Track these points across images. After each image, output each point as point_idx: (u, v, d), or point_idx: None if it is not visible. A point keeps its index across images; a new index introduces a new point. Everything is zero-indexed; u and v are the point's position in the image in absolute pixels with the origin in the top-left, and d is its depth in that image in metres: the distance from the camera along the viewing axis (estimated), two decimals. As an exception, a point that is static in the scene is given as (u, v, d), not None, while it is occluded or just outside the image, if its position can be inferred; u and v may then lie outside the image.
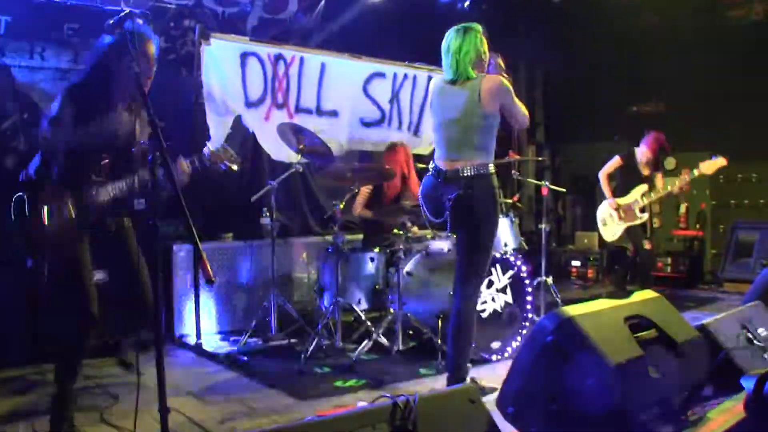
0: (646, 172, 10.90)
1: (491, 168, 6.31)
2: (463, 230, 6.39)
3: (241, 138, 9.93)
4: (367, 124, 11.07)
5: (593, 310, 4.59)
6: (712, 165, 10.27)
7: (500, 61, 6.70)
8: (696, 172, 10.38)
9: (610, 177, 11.10)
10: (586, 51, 14.60)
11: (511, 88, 6.39)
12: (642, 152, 10.90)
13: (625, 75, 14.44)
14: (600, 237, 11.75)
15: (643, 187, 10.77)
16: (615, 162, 11.00)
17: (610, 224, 11.06)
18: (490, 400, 4.66)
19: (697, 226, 14.06)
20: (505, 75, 6.53)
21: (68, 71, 8.47)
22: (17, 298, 7.51)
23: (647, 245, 10.88)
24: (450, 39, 6.59)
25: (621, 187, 11.01)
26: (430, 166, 6.61)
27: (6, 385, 7.03)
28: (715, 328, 5.55)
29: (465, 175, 6.23)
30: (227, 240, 9.64)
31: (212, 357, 8.11)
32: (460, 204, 6.21)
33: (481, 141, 6.32)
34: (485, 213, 6.27)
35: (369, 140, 11.00)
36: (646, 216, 10.84)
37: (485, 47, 6.60)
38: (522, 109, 6.51)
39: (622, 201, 10.84)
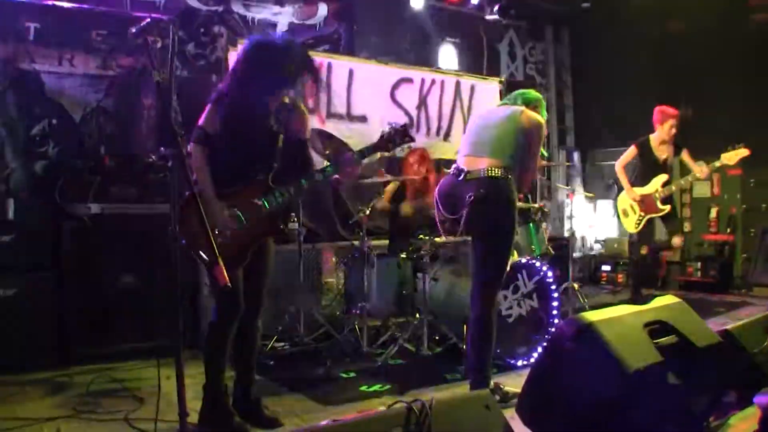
0: (663, 155, 10.65)
1: (511, 176, 6.35)
2: (479, 234, 6.41)
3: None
4: (396, 130, 11.10)
5: (613, 316, 4.58)
6: (733, 155, 10.20)
7: None
8: (718, 164, 10.30)
9: (627, 168, 10.89)
10: (614, 54, 14.57)
11: (542, 140, 6.72)
12: (654, 135, 10.76)
13: (653, 78, 14.39)
14: (632, 244, 11.47)
15: (663, 177, 10.53)
16: (630, 151, 10.85)
17: (631, 215, 10.79)
18: (513, 406, 4.67)
19: (728, 230, 13.97)
20: None
21: (97, 77, 8.52)
22: (46, 303, 7.58)
23: (643, 250, 10.82)
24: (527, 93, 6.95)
25: (640, 177, 10.81)
26: (452, 166, 6.66)
27: (35, 387, 7.08)
28: (739, 333, 5.53)
29: (486, 176, 6.27)
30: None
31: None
32: (478, 204, 6.23)
33: (510, 150, 6.40)
34: (502, 217, 6.30)
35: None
36: (668, 207, 10.56)
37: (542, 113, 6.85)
38: (535, 170, 6.76)
39: (642, 191, 10.62)
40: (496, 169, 6.26)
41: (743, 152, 10.18)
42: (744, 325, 5.72)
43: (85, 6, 8.51)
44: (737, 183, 13.76)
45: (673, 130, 10.54)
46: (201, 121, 5.50)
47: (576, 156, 16.08)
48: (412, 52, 11.80)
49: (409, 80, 11.22)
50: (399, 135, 6.12)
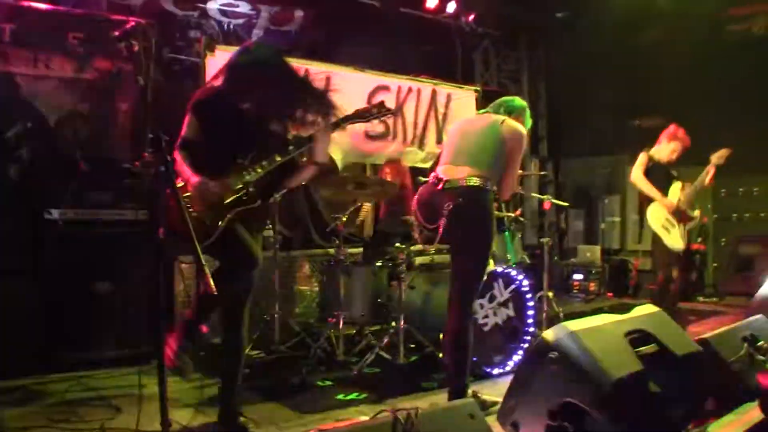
0: (674, 171, 9.79)
1: (490, 186, 6.34)
2: (458, 243, 6.41)
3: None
4: (371, 137, 11.10)
5: (594, 325, 4.60)
6: (721, 155, 9.58)
7: None
8: (712, 165, 9.55)
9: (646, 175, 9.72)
10: (589, 65, 14.63)
11: (524, 149, 6.70)
12: (654, 150, 9.78)
13: (628, 89, 14.47)
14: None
15: (679, 183, 9.67)
16: (643, 158, 9.70)
17: (673, 230, 9.52)
18: (491, 414, 4.67)
19: (699, 239, 14.06)
20: None
21: (73, 80, 8.48)
22: (21, 309, 7.53)
23: (674, 272, 9.59)
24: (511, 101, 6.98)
25: (658, 189, 9.66)
26: (431, 175, 6.64)
27: (9, 395, 7.01)
28: (716, 342, 5.55)
29: (465, 185, 6.27)
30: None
31: (213, 368, 8.10)
32: (456, 213, 6.22)
33: (490, 160, 6.39)
34: (481, 226, 6.30)
35: (373, 153, 11.01)
36: (698, 213, 9.77)
37: (525, 123, 6.91)
38: (515, 180, 6.76)
39: (671, 202, 9.58)
40: (475, 179, 6.25)
41: (726, 151, 9.61)
42: (721, 333, 5.75)
43: (62, 8, 8.47)
44: (708, 193, 13.85)
45: (674, 156, 9.71)
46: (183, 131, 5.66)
47: (549, 165, 16.14)
48: (388, 59, 11.79)
49: (386, 88, 11.22)
50: (377, 107, 6.12)
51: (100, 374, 7.67)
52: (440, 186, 6.39)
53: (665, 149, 9.69)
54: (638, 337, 4.75)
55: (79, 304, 7.80)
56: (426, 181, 6.73)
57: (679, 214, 9.49)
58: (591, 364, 4.18)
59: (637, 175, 9.62)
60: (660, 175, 9.64)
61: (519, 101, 6.96)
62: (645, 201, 9.67)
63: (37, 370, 7.53)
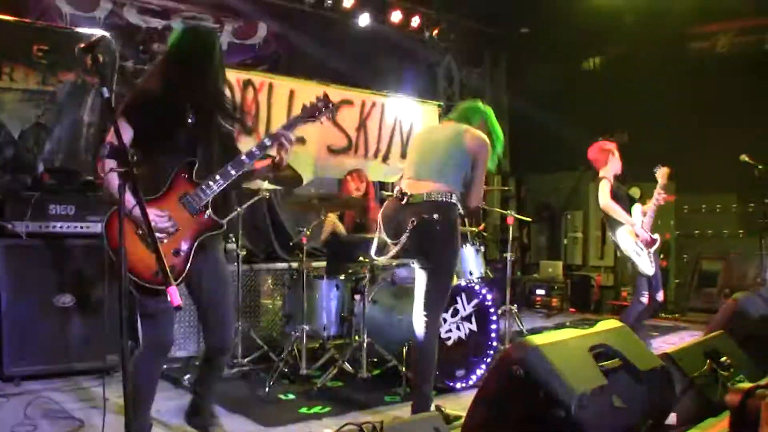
0: (623, 190, 9.79)
1: (455, 199, 6.34)
2: (423, 258, 6.41)
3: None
4: (334, 152, 11.11)
5: (558, 340, 4.60)
6: (662, 174, 9.42)
7: None
8: (662, 184, 9.38)
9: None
10: (552, 80, 14.70)
11: (488, 157, 6.59)
12: (606, 171, 9.62)
13: (591, 105, 14.53)
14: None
15: (639, 206, 9.67)
16: (606, 184, 9.51)
17: (642, 255, 9.39)
18: (455, 428, 4.67)
19: (661, 256, 14.09)
20: None
21: (37, 92, 8.43)
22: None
23: (660, 296, 9.55)
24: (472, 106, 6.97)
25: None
26: (395, 189, 6.63)
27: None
28: (679, 357, 5.58)
29: (429, 200, 6.28)
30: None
31: (176, 382, 8.06)
32: (421, 228, 6.23)
33: (452, 172, 6.39)
34: (446, 241, 6.31)
35: (336, 167, 11.01)
36: (657, 236, 9.54)
37: (492, 126, 6.92)
38: (482, 188, 6.65)
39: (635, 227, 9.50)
40: (438, 194, 6.27)
41: (665, 170, 9.46)
42: (684, 348, 5.77)
43: (26, 20, 8.42)
44: (671, 209, 13.92)
45: (620, 163, 9.63)
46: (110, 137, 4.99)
47: (512, 180, 16.20)
48: (351, 73, 11.81)
49: (350, 102, 11.24)
50: (322, 102, 5.94)
51: (63, 387, 7.63)
52: (404, 201, 6.39)
53: (615, 164, 9.63)
54: (602, 352, 4.76)
55: (41, 317, 7.75)
56: (390, 196, 6.72)
57: (643, 238, 9.42)
58: (555, 378, 4.18)
59: (606, 201, 9.47)
60: (622, 197, 9.63)
61: (481, 105, 6.98)
62: (607, 220, 9.63)
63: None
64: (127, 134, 5.01)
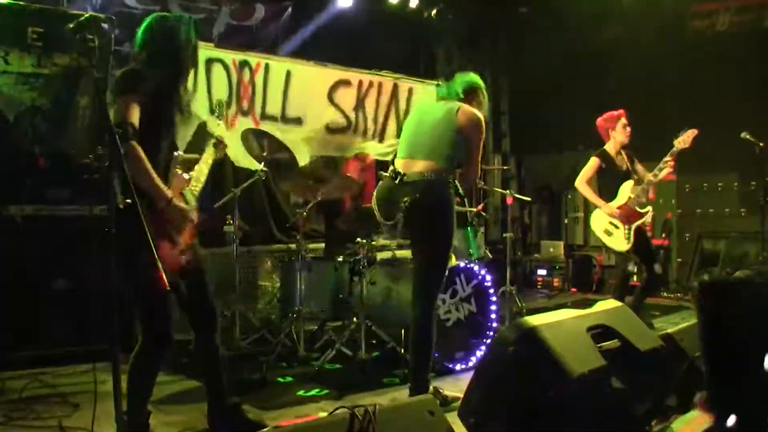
0: (624, 165, 9.89)
1: (449, 178, 6.30)
2: (418, 238, 6.41)
3: (203, 145, 9.90)
4: (332, 131, 11.06)
5: (555, 320, 4.56)
6: (686, 138, 9.47)
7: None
8: (675, 150, 9.47)
9: (590, 182, 9.97)
10: (552, 61, 14.62)
11: (483, 134, 6.49)
12: (609, 145, 9.96)
13: (591, 85, 14.48)
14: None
15: (630, 182, 9.76)
16: (592, 163, 9.89)
17: (616, 232, 9.67)
18: (453, 410, 4.63)
19: (663, 235, 14.09)
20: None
21: (32, 76, 8.36)
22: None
23: (657, 269, 9.98)
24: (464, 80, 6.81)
25: (608, 191, 9.90)
26: (389, 168, 6.60)
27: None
28: (680, 337, 5.54)
29: (423, 179, 6.26)
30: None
31: (174, 366, 8.03)
32: (414, 208, 6.21)
33: (447, 151, 6.33)
34: (440, 220, 6.29)
35: (335, 147, 10.95)
36: (649, 209, 9.75)
37: (483, 96, 6.82)
38: (478, 165, 6.57)
39: (617, 204, 9.68)
40: (432, 174, 6.23)
41: (693, 131, 9.49)
42: (685, 329, 5.73)
43: (21, 2, 8.36)
44: (672, 188, 13.91)
45: (628, 128, 9.90)
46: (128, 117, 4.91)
47: (512, 161, 16.16)
48: (349, 53, 11.75)
49: (347, 82, 11.17)
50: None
51: (58, 371, 7.61)
52: (398, 180, 6.34)
53: (620, 133, 9.84)
54: (601, 333, 4.72)
55: (36, 301, 7.72)
56: (386, 176, 6.67)
57: (625, 215, 9.55)
58: (553, 359, 4.14)
59: (579, 182, 9.84)
60: (613, 175, 9.78)
61: (472, 78, 6.89)
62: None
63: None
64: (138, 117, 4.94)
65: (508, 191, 10.28)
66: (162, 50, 5.30)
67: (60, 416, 6.16)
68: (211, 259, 9.37)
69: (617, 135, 9.82)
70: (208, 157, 5.68)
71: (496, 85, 15.99)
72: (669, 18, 13.63)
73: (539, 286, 14.36)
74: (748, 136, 9.56)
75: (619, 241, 9.61)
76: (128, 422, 4.84)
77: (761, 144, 9.56)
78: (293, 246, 8.87)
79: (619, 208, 9.59)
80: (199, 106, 9.41)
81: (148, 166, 4.85)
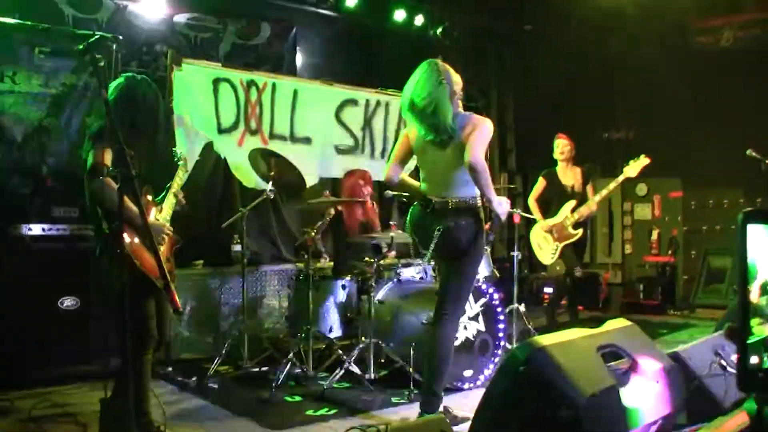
0: (570, 182, 10.53)
1: (478, 201, 6.31)
2: (448, 261, 6.36)
3: (212, 165, 9.93)
4: (340, 151, 11.09)
5: (565, 340, 4.56)
6: (636, 166, 10.09)
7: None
8: (621, 178, 10.16)
9: (539, 201, 10.72)
10: (557, 77, 14.63)
11: (490, 130, 6.29)
12: (558, 166, 10.69)
13: (596, 101, 14.51)
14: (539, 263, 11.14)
15: (571, 203, 10.36)
16: (539, 183, 10.75)
17: (545, 247, 10.59)
18: (462, 430, 4.63)
19: (669, 252, 14.08)
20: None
21: (39, 95, 8.40)
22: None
23: (578, 272, 10.43)
24: (418, 102, 6.25)
25: (553, 208, 10.56)
26: (420, 197, 6.53)
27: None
28: (688, 356, 5.54)
29: (452, 207, 6.23)
30: (197, 267, 9.59)
31: (182, 384, 8.03)
32: (447, 235, 6.19)
33: (464, 176, 6.24)
34: (471, 245, 6.28)
35: (342, 167, 10.96)
36: (580, 231, 10.32)
37: (455, 78, 6.40)
38: (482, 150, 6.21)
39: (553, 221, 10.45)
40: (460, 201, 6.26)
41: (644, 161, 10.09)
42: (693, 347, 5.74)
43: (29, 22, 8.39)
44: (678, 205, 13.92)
45: (563, 149, 10.64)
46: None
47: (518, 178, 16.14)
48: (355, 72, 11.77)
49: (354, 102, 11.21)
50: None
51: (67, 390, 7.62)
52: (429, 208, 6.34)
53: (555, 153, 10.73)
54: (610, 352, 4.72)
55: (44, 320, 7.71)
56: (397, 195, 6.67)
57: (558, 232, 10.33)
58: (563, 379, 4.13)
59: (530, 200, 10.83)
60: (558, 194, 10.55)
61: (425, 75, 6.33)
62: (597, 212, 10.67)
63: (2, 387, 7.43)
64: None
65: (515, 210, 10.29)
66: (124, 111, 5.70)
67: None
68: (218, 278, 9.41)
69: (555, 155, 10.64)
70: (175, 186, 6.21)
71: (501, 102, 15.98)
72: (674, 34, 13.63)
73: (545, 305, 14.30)
74: (753, 153, 9.58)
75: (546, 255, 10.50)
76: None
77: (767, 161, 9.57)
78: (301, 265, 8.86)
79: (553, 225, 10.35)
80: (207, 126, 9.45)
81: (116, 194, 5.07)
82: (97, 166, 5.37)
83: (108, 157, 5.43)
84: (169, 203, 6.07)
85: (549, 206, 10.57)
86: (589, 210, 10.27)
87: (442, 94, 6.13)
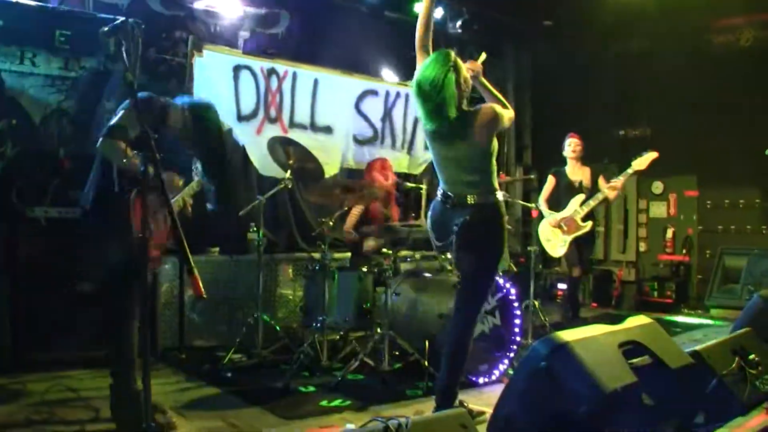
0: (578, 178, 10.63)
1: (499, 195, 6.23)
2: (468, 256, 6.30)
3: (229, 153, 9.90)
4: (360, 142, 11.10)
5: (587, 336, 4.54)
6: (644, 160, 10.13)
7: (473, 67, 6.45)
8: (630, 171, 10.22)
9: (549, 201, 10.77)
10: (575, 73, 14.61)
11: (501, 113, 6.17)
12: (567, 164, 10.79)
13: (614, 98, 14.48)
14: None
15: (580, 197, 10.46)
16: (549, 182, 10.84)
17: (554, 239, 10.59)
18: (478, 424, 4.60)
19: (684, 251, 14.05)
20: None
21: (58, 78, 8.38)
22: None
23: (575, 272, 10.55)
24: (424, 85, 6.11)
25: (562, 204, 10.62)
26: (438, 191, 6.49)
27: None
28: (707, 355, 5.50)
29: (472, 202, 6.16)
30: (213, 254, 9.58)
31: (195, 372, 8.01)
32: (466, 230, 6.13)
33: (481, 170, 6.20)
34: (491, 240, 6.22)
35: (363, 158, 10.95)
36: (590, 224, 10.38)
37: (464, 73, 6.22)
38: (507, 113, 6.27)
39: (561, 215, 10.50)
40: (480, 195, 6.16)
41: (652, 155, 10.13)
42: (712, 346, 5.70)
43: (50, 5, 8.38)
44: (693, 204, 13.89)
45: (575, 147, 10.73)
46: None
47: (534, 173, 16.12)
48: (375, 63, 11.75)
49: (374, 92, 11.21)
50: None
51: (80, 374, 7.62)
52: (448, 204, 6.30)
53: (567, 152, 10.81)
54: (632, 349, 4.69)
55: (60, 304, 7.70)
56: (415, 187, 6.63)
57: (566, 225, 10.38)
58: (584, 375, 4.11)
59: (540, 199, 10.87)
60: (566, 190, 10.69)
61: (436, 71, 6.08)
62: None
63: (16, 369, 7.45)
64: None
65: (532, 204, 10.29)
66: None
67: (82, 419, 6.20)
68: (234, 266, 9.38)
69: (565, 153, 10.74)
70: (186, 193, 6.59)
71: (518, 97, 15.93)
72: (692, 32, 13.58)
73: (559, 300, 14.26)
74: (770, 154, 9.57)
75: (555, 247, 10.54)
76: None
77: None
78: (316, 255, 8.83)
79: (563, 218, 10.39)
80: (227, 113, 9.43)
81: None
82: (117, 127, 5.51)
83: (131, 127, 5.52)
84: (176, 203, 6.26)
85: (559, 205, 10.59)
86: (599, 200, 10.33)
87: (449, 80, 6.02)
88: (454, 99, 6.03)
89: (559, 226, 10.43)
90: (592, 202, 10.26)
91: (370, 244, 9.20)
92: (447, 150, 6.29)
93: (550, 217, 10.55)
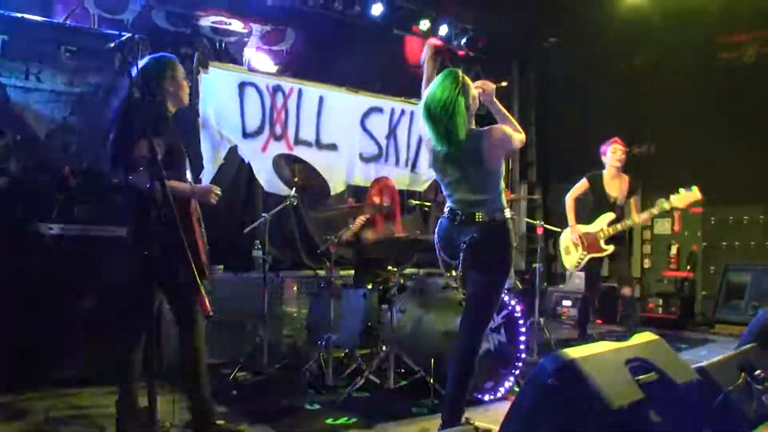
0: (614, 193, 10.20)
1: (507, 213, 6.24)
2: (476, 273, 6.29)
3: (235, 170, 9.92)
4: (366, 159, 11.10)
5: (594, 353, 4.53)
6: (685, 198, 9.78)
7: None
8: (667, 205, 9.83)
9: (577, 201, 10.44)
10: (580, 91, 14.63)
11: (512, 135, 6.19)
12: (605, 171, 10.34)
13: (619, 115, 14.48)
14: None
15: (610, 215, 10.08)
16: (582, 183, 10.40)
17: (573, 253, 10.36)
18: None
19: (688, 267, 14.04)
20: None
21: (63, 94, 8.40)
22: (3, 325, 7.41)
23: (626, 291, 10.24)
24: (434, 108, 6.12)
25: (588, 214, 10.37)
26: (446, 208, 6.48)
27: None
28: (714, 370, 5.49)
29: (480, 219, 6.15)
30: (218, 272, 9.57)
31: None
32: (474, 247, 6.13)
33: (489, 189, 6.21)
34: (499, 258, 6.21)
35: (369, 176, 10.95)
36: (611, 248, 10.04)
37: (472, 92, 6.26)
38: (518, 136, 6.30)
39: (586, 229, 10.21)
40: (487, 213, 6.16)
41: (695, 195, 9.79)
42: (718, 362, 5.69)
43: (55, 21, 8.41)
44: (698, 220, 13.88)
45: (620, 155, 10.26)
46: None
47: (538, 190, 16.13)
48: (380, 80, 11.77)
49: (379, 110, 11.24)
50: None
51: (85, 392, 7.62)
52: (456, 221, 6.29)
53: (610, 159, 10.27)
54: (638, 366, 4.68)
55: (63, 320, 7.69)
56: (420, 204, 6.63)
57: (587, 242, 10.13)
58: (592, 392, 4.10)
59: (567, 198, 10.47)
60: (599, 201, 10.26)
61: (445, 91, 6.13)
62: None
63: (20, 387, 7.44)
64: None
65: (538, 221, 10.27)
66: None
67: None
68: (239, 283, 9.38)
69: (607, 159, 10.25)
70: None
71: (524, 115, 15.95)
72: (697, 49, 13.58)
73: (564, 318, 14.25)
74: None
75: (571, 261, 10.36)
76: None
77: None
78: (321, 272, 8.83)
79: (586, 233, 10.11)
80: (232, 130, 9.44)
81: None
82: (135, 159, 5.30)
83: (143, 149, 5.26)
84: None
85: (585, 215, 10.36)
86: (626, 226, 10.04)
87: (459, 103, 6.03)
88: (464, 121, 6.07)
89: (581, 242, 10.18)
90: (619, 226, 9.96)
91: (368, 236, 9.18)
92: (456, 170, 6.27)
93: (572, 228, 10.28)
